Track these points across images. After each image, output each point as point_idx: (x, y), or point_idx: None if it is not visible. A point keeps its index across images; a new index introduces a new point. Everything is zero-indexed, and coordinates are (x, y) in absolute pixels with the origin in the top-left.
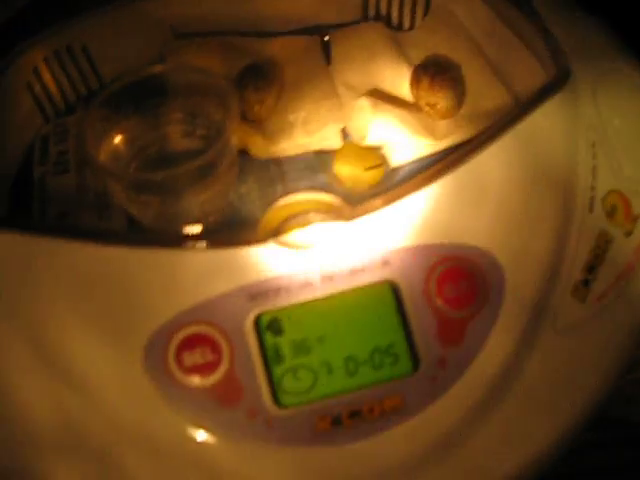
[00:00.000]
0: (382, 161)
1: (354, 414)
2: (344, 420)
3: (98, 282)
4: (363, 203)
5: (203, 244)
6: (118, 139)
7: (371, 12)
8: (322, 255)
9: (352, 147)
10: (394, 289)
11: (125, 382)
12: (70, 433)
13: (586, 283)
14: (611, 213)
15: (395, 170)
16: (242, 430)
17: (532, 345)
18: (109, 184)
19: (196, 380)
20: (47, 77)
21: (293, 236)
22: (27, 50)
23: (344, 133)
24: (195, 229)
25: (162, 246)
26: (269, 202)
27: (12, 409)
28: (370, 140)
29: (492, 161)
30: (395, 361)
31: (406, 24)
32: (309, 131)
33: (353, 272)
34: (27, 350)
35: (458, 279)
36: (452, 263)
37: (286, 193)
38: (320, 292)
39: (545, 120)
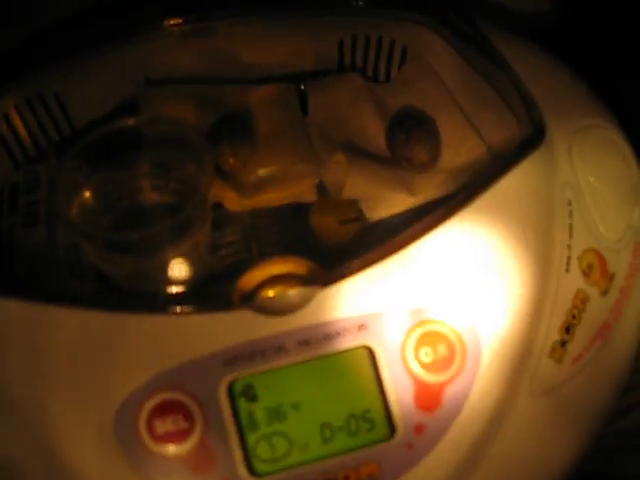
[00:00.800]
0: (359, 215)
1: None
2: None
3: (69, 345)
4: (339, 267)
5: (176, 308)
6: (90, 193)
7: (347, 62)
8: (298, 320)
9: (328, 200)
10: (370, 354)
11: (94, 448)
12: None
13: (563, 344)
14: (587, 272)
15: (372, 224)
16: None
17: (509, 409)
18: (81, 242)
19: (168, 448)
20: (18, 123)
21: (268, 301)
22: None
23: (320, 186)
24: (168, 291)
25: (134, 310)
26: (244, 261)
27: None
28: (346, 194)
29: (468, 223)
30: (371, 427)
31: (381, 75)
32: (285, 185)
33: (329, 337)
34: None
35: (435, 343)
36: (428, 327)
37: (261, 254)
38: (295, 358)
39: (521, 179)
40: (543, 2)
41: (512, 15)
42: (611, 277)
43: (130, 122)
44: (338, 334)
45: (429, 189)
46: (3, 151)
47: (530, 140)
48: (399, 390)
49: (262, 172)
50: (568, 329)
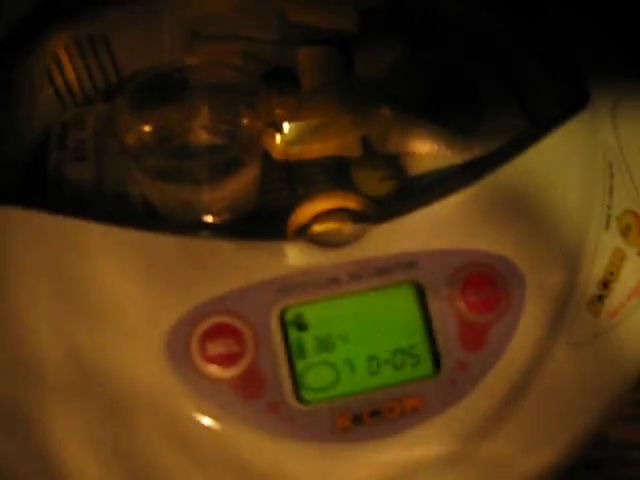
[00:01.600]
0: (399, 171)
1: (374, 413)
2: (364, 418)
3: (124, 265)
4: (392, 206)
5: (234, 236)
6: (145, 128)
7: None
8: (350, 254)
9: (371, 155)
10: (419, 291)
11: (146, 363)
12: (80, 381)
13: (600, 298)
14: (625, 232)
15: (413, 180)
16: (262, 423)
17: (548, 355)
18: (133, 171)
19: (218, 370)
20: (67, 65)
21: (322, 234)
22: (49, 36)
23: (364, 141)
24: (225, 221)
25: (194, 235)
26: (290, 202)
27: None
28: (389, 149)
29: (515, 175)
30: (416, 362)
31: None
32: (328, 137)
33: (380, 272)
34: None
35: (482, 285)
36: (477, 269)
37: (310, 191)
38: (346, 290)
39: (564, 139)
40: None
41: None
42: None
43: (190, 61)
44: (389, 269)
45: (472, 148)
46: (51, 89)
47: (574, 103)
48: (445, 328)
49: (307, 123)
50: (605, 285)
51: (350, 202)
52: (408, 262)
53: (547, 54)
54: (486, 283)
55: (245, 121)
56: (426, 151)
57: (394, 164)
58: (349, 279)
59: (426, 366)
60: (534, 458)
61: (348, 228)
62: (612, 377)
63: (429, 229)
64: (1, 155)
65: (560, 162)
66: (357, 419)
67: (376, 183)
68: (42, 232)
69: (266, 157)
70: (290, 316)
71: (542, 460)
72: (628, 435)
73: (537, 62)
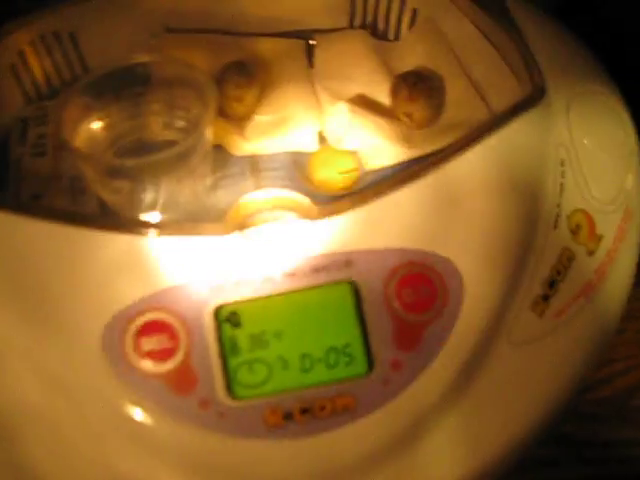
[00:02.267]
0: (356, 166)
1: (306, 410)
2: (295, 415)
3: (63, 261)
4: (330, 204)
5: (168, 232)
6: (96, 126)
7: (357, 21)
8: (285, 252)
9: (328, 150)
10: (354, 290)
11: (81, 358)
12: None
13: (545, 298)
14: (575, 231)
15: (368, 175)
16: (194, 419)
17: (487, 355)
18: (84, 168)
19: (151, 366)
20: (32, 60)
21: (258, 231)
22: (14, 32)
23: (321, 136)
24: (164, 217)
25: (128, 231)
26: (238, 194)
27: None
28: (346, 145)
29: (461, 171)
30: (350, 361)
31: (391, 35)
32: (286, 132)
33: (315, 270)
34: None
35: (418, 284)
36: (413, 268)
37: (265, 187)
38: (281, 288)
39: (517, 134)
40: None
41: None
42: (599, 238)
43: (140, 59)
44: (324, 268)
45: (427, 143)
46: (16, 86)
47: (529, 98)
48: (380, 327)
49: (264, 118)
50: (552, 284)
51: (288, 200)
52: (344, 261)
53: (506, 48)
54: (422, 283)
55: (198, 115)
56: (381, 146)
57: (351, 159)
58: (284, 277)
59: (359, 365)
60: (470, 459)
61: (284, 226)
62: (557, 377)
63: (366, 228)
64: None
65: (510, 158)
66: (288, 416)
67: (332, 178)
68: None
69: (221, 152)
70: (224, 313)
71: (478, 461)
72: (586, 434)
73: (496, 56)
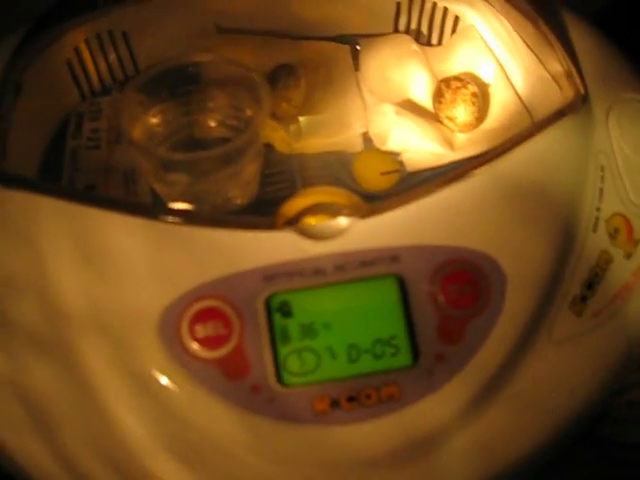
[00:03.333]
0: (399, 167)
1: (352, 399)
2: (342, 403)
3: (121, 248)
4: (379, 202)
5: (225, 225)
6: (152, 121)
7: (401, 26)
8: (336, 246)
9: (372, 151)
10: (401, 284)
11: (138, 340)
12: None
13: (583, 299)
14: (614, 235)
15: (410, 176)
16: (245, 403)
17: (527, 351)
18: (140, 161)
19: (205, 351)
20: (87, 57)
21: (310, 226)
22: (70, 29)
23: (365, 137)
24: (218, 211)
25: (187, 223)
26: (289, 193)
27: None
28: (390, 146)
29: (506, 173)
30: (395, 352)
31: (434, 40)
32: (332, 133)
33: (364, 264)
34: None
35: (462, 281)
36: (458, 265)
37: (311, 185)
38: (331, 280)
39: (559, 140)
40: None
41: None
42: (636, 242)
43: (196, 58)
44: (373, 262)
45: (469, 147)
46: (71, 81)
47: (571, 105)
48: (425, 320)
49: (311, 119)
50: (590, 285)
51: (339, 197)
52: (392, 256)
53: (548, 55)
54: (467, 279)
55: (250, 115)
56: (425, 148)
57: (394, 160)
58: (334, 270)
59: (405, 356)
60: (507, 451)
61: (335, 222)
62: (592, 376)
63: (414, 225)
64: (22, 142)
65: (552, 162)
66: (335, 403)
67: (376, 178)
68: (58, 217)
69: (270, 150)
70: (276, 303)
71: (515, 453)
72: (620, 435)
73: (540, 63)
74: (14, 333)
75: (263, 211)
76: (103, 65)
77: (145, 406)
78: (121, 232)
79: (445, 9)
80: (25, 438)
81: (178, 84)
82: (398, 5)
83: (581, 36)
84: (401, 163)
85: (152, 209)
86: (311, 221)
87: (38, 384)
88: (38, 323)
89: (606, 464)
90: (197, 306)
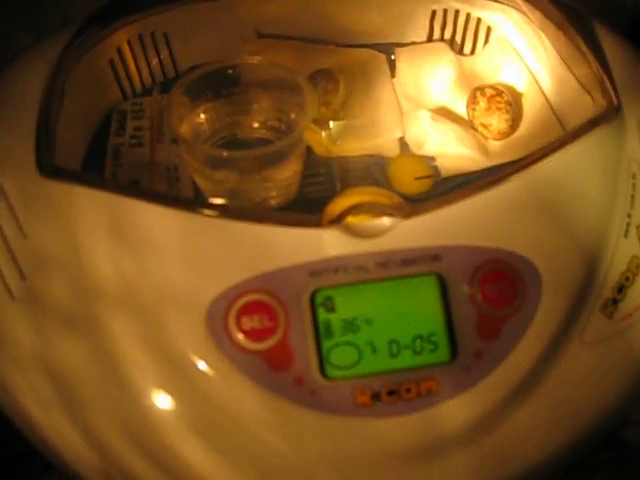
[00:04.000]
0: (433, 172)
1: (392, 392)
2: (383, 396)
3: (173, 242)
4: (421, 203)
5: (274, 222)
6: (197, 120)
7: (436, 35)
8: (379, 244)
9: (407, 156)
10: (441, 282)
11: (186, 330)
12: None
13: (614, 301)
14: None
15: (444, 181)
16: (288, 395)
17: (560, 350)
18: (184, 158)
19: (252, 343)
20: (128, 58)
21: (355, 225)
22: (114, 31)
23: (402, 142)
24: (264, 208)
25: (236, 218)
26: (328, 194)
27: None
28: (425, 151)
29: (540, 179)
30: (435, 349)
31: (467, 49)
32: (369, 137)
33: (405, 262)
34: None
35: (500, 281)
36: (496, 265)
37: (348, 186)
38: (373, 277)
39: (592, 148)
40: None
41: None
42: None
43: (242, 62)
44: (414, 261)
45: (502, 154)
46: (114, 81)
47: (604, 114)
48: (463, 318)
49: (349, 123)
50: (621, 289)
51: (382, 197)
52: (432, 255)
53: (580, 66)
54: (504, 279)
55: (292, 117)
56: (459, 154)
57: (429, 165)
58: (376, 267)
59: (443, 353)
60: (540, 448)
61: (379, 221)
62: (621, 377)
63: (454, 226)
64: (67, 138)
65: (585, 170)
66: (376, 396)
67: (411, 182)
68: (100, 208)
69: (308, 152)
70: (320, 298)
71: (547, 451)
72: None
73: (572, 73)
74: (46, 310)
75: (302, 210)
76: (144, 66)
77: (178, 389)
78: (164, 227)
79: (479, 19)
80: (53, 414)
81: (223, 85)
82: (433, 15)
83: (612, 47)
84: (435, 168)
85: (196, 204)
86: (355, 220)
87: (68, 361)
88: (70, 302)
89: (625, 466)
90: (244, 299)
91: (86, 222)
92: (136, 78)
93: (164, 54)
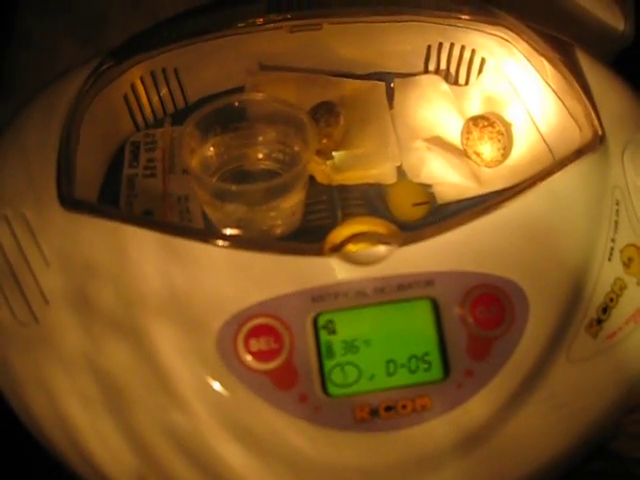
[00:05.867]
0: (430, 199)
1: (389, 408)
2: (380, 412)
3: (185, 270)
4: (415, 231)
5: (277, 250)
6: (207, 153)
7: (432, 66)
8: (376, 271)
9: (405, 184)
10: (434, 306)
11: (198, 352)
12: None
13: (599, 321)
14: (628, 263)
15: (440, 207)
16: (293, 411)
17: (548, 368)
18: (195, 190)
19: (259, 363)
20: (141, 92)
21: (353, 253)
22: (128, 68)
23: (399, 170)
24: (267, 237)
25: (241, 248)
26: (330, 222)
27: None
28: (422, 178)
29: (528, 206)
30: (429, 367)
31: (461, 80)
32: (368, 166)
33: (401, 288)
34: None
35: (490, 304)
36: (486, 290)
37: (347, 216)
38: (371, 302)
39: (578, 176)
40: (618, 24)
41: (589, 34)
42: None
43: (248, 98)
44: (409, 286)
45: (495, 181)
46: (127, 114)
47: (589, 144)
48: (455, 339)
49: (349, 153)
50: (605, 310)
51: (379, 227)
52: (426, 280)
53: (569, 96)
54: (494, 302)
55: (296, 150)
56: (455, 182)
57: (426, 192)
58: (374, 292)
59: (437, 371)
60: (529, 461)
61: (376, 249)
62: (606, 393)
63: (447, 252)
64: (85, 168)
65: (571, 197)
66: (374, 412)
67: (408, 208)
68: (115, 238)
69: (311, 182)
70: (322, 321)
71: (536, 463)
72: (633, 451)
73: (562, 102)
74: (95, 315)
75: (305, 238)
76: (155, 99)
77: (210, 395)
78: (175, 256)
79: (473, 51)
80: (96, 414)
81: (231, 120)
82: (429, 48)
83: (597, 77)
84: (432, 195)
85: (206, 234)
86: (354, 248)
87: (113, 364)
88: (116, 308)
89: (617, 478)
90: (252, 323)
91: (109, 250)
92: (148, 110)
93: (174, 87)
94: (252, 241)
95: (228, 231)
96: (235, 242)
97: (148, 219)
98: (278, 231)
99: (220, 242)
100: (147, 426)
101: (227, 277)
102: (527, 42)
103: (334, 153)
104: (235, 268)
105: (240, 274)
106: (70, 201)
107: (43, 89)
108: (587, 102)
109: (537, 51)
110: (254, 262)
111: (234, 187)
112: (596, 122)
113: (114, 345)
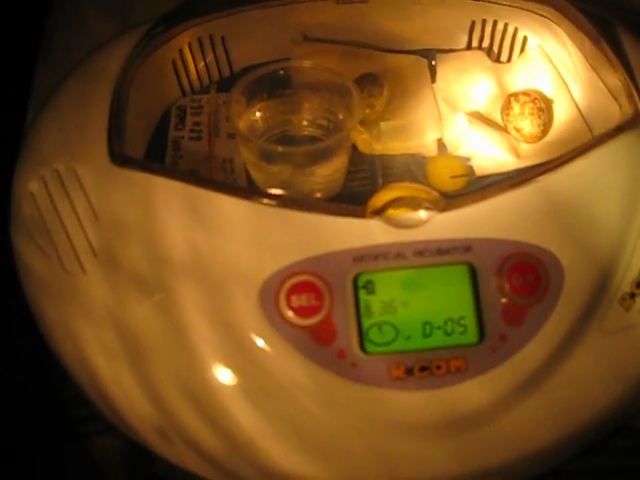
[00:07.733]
0: (468, 171)
1: (424, 368)
2: (416, 371)
3: (230, 226)
4: (456, 198)
5: (322, 211)
6: (253, 118)
7: (474, 43)
8: (416, 235)
9: (444, 156)
10: (472, 271)
11: (241, 306)
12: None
13: (632, 296)
14: None
15: (477, 181)
16: (331, 367)
17: (579, 337)
18: (241, 151)
19: (299, 319)
20: (189, 59)
21: (395, 216)
22: (177, 34)
23: (439, 143)
24: (312, 199)
25: (288, 206)
26: (370, 189)
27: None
28: (461, 152)
29: (567, 180)
30: (464, 331)
31: (504, 57)
32: (409, 137)
33: (440, 252)
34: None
35: (526, 272)
36: (523, 258)
37: (390, 182)
38: (410, 264)
39: (616, 152)
40: None
41: (633, 13)
42: None
43: (295, 65)
44: (448, 250)
45: (533, 156)
46: (175, 79)
47: (628, 121)
48: (491, 304)
49: (391, 124)
50: (638, 284)
51: (421, 192)
52: (465, 246)
53: (609, 74)
54: (530, 271)
55: (340, 117)
56: (493, 155)
57: (464, 165)
58: (413, 255)
59: (472, 335)
60: (558, 427)
61: (417, 213)
62: (636, 366)
63: (485, 220)
64: (133, 129)
65: (609, 173)
66: (409, 371)
67: (447, 180)
68: (169, 194)
69: (354, 149)
70: (362, 281)
71: (565, 430)
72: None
73: (601, 80)
74: (121, 271)
75: (347, 202)
76: (202, 65)
77: (233, 357)
78: (221, 211)
79: (515, 29)
80: (118, 367)
81: (277, 86)
82: (472, 24)
83: (638, 54)
84: (470, 168)
85: (251, 193)
86: (395, 212)
87: (136, 320)
88: (144, 266)
89: (627, 473)
90: (294, 279)
91: (157, 205)
92: (194, 76)
93: (220, 55)
94: (297, 200)
95: (276, 192)
96: (281, 201)
97: (197, 176)
98: (318, 195)
99: (266, 200)
100: (168, 383)
101: (272, 234)
102: (570, 20)
103: (377, 123)
104: (280, 226)
105: (284, 232)
106: (120, 157)
107: (94, 51)
108: (628, 80)
109: (580, 29)
110: (299, 221)
111: (280, 148)
112: (637, 99)
113: (148, 302)
